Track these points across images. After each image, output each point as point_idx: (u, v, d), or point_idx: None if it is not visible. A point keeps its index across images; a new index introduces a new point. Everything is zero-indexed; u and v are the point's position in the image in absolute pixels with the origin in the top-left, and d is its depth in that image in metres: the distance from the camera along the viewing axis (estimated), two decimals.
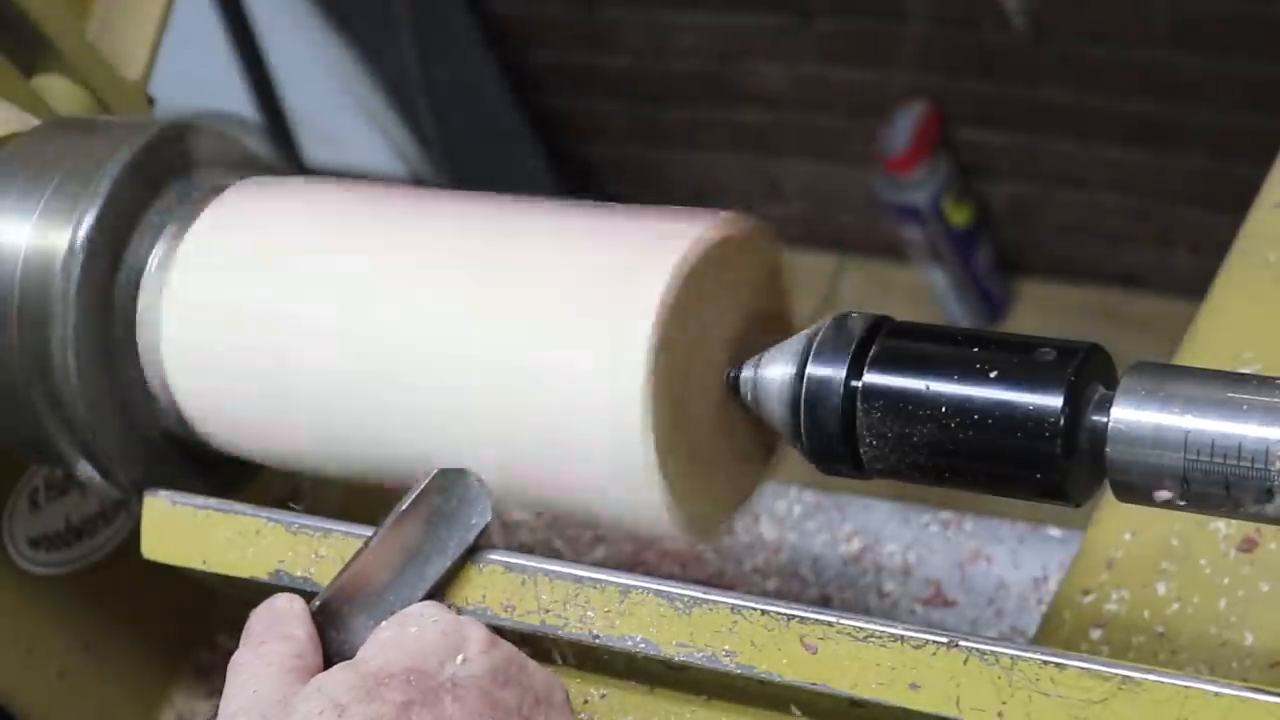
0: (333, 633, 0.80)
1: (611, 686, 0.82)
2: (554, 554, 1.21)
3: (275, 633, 0.79)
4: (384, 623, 0.78)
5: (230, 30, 2.57)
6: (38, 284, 0.87)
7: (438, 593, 0.81)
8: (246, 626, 0.81)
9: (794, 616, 0.74)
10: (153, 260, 0.89)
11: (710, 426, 0.80)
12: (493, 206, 0.86)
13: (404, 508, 0.80)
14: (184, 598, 1.10)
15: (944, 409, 0.72)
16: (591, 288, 0.78)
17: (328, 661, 0.79)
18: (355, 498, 1.16)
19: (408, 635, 0.77)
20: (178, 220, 0.89)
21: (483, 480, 0.81)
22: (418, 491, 0.80)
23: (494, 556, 0.81)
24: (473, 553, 0.81)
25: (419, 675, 0.75)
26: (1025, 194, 2.71)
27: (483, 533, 0.81)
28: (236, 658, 0.79)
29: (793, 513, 1.21)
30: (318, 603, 0.80)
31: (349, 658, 0.78)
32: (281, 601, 0.81)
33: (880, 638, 0.73)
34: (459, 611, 0.80)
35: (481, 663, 0.77)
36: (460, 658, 0.77)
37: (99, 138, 0.91)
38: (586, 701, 0.82)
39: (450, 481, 0.81)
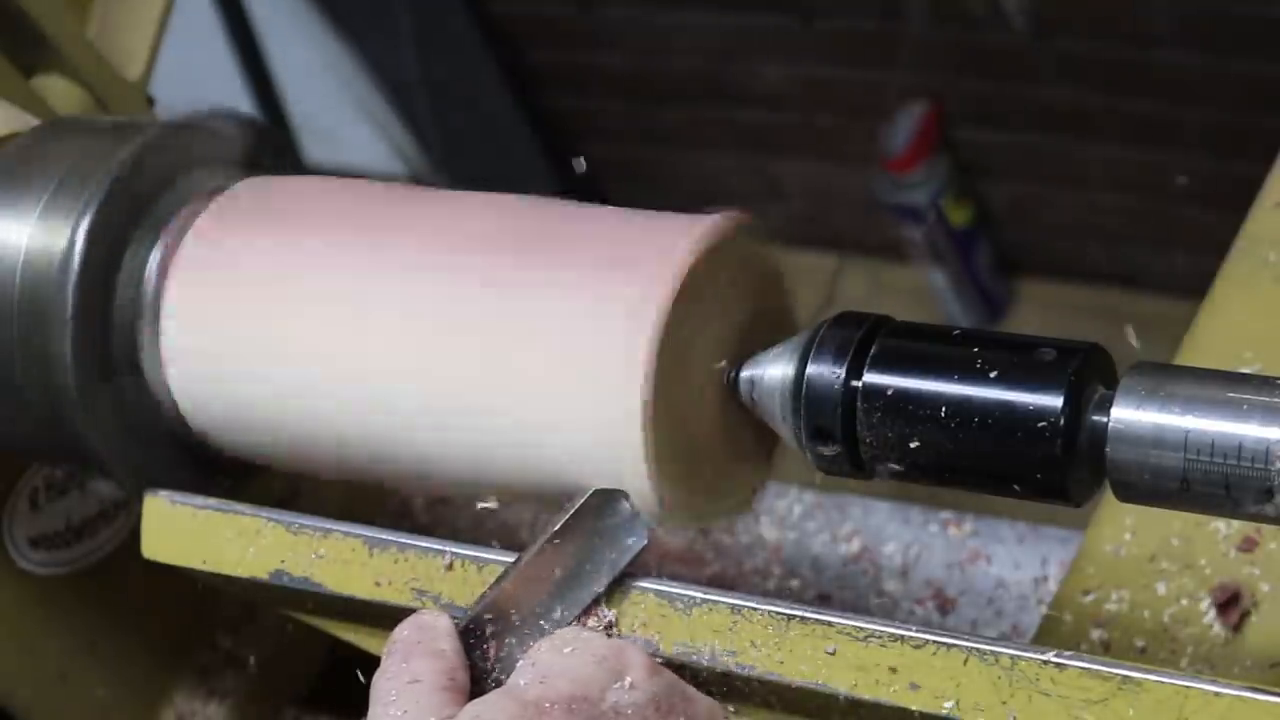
0: (479, 653, 0.76)
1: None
2: None
3: (423, 649, 0.75)
4: (539, 645, 0.75)
5: (230, 30, 2.57)
6: (38, 284, 0.87)
7: (589, 617, 0.77)
8: (390, 640, 0.77)
9: (794, 616, 0.74)
10: (153, 260, 0.89)
11: (710, 427, 0.80)
12: (486, 209, 0.86)
13: (557, 527, 0.77)
14: (184, 598, 1.10)
15: (944, 409, 0.72)
16: (587, 298, 0.78)
17: (474, 683, 0.75)
18: (355, 498, 1.16)
19: (567, 660, 0.73)
20: (179, 220, 0.89)
21: (636, 503, 0.77)
22: (571, 511, 0.77)
23: (644, 584, 0.78)
24: (626, 577, 0.78)
25: (582, 703, 0.71)
26: (1025, 194, 2.71)
27: (638, 556, 0.78)
28: (383, 672, 0.75)
29: (793, 513, 1.21)
30: (464, 621, 0.77)
31: (497, 680, 0.76)
32: (428, 617, 0.77)
33: (880, 638, 0.72)
34: (617, 635, 0.77)
35: (645, 690, 0.73)
36: (628, 681, 0.73)
37: (98, 138, 0.91)
38: None
39: (605, 502, 0.77)
